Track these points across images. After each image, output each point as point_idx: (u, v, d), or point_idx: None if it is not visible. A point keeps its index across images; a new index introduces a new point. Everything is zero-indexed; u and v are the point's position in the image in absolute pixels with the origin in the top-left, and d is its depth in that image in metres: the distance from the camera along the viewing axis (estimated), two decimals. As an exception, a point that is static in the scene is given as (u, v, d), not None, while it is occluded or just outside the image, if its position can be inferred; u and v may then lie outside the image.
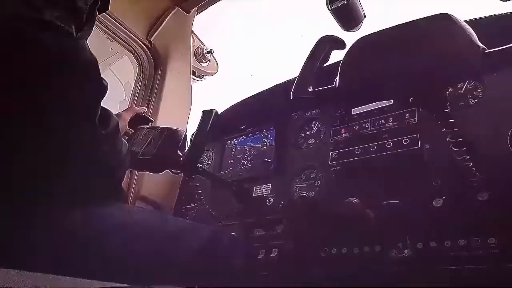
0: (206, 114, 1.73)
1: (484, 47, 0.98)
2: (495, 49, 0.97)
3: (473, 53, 0.97)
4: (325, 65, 1.37)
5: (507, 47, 0.96)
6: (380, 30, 1.16)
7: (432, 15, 1.05)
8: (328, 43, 1.36)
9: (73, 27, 0.88)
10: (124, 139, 1.35)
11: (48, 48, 0.83)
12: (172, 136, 1.65)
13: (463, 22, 1.00)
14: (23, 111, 0.84)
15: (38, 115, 0.86)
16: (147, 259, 1.14)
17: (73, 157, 0.95)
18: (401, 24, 1.12)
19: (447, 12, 1.02)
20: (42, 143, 0.89)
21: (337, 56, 1.38)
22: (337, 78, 1.20)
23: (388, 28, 1.14)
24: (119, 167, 1.11)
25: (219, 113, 1.78)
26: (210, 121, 1.70)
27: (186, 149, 1.69)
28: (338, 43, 1.36)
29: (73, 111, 0.91)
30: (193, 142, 1.68)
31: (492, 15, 1.50)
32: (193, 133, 1.76)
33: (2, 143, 0.85)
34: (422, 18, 1.07)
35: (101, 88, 0.97)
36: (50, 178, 0.94)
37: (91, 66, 0.93)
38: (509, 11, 1.46)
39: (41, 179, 0.93)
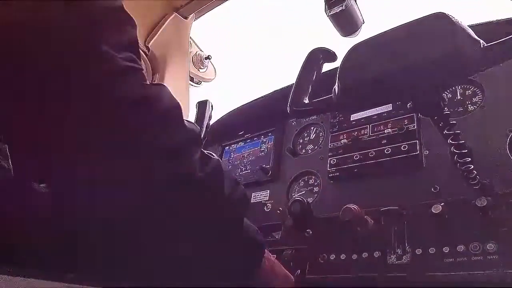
0: (202, 104, 1.73)
1: (483, 41, 0.97)
2: (495, 42, 0.97)
3: (473, 47, 0.97)
4: (319, 76, 1.38)
5: (507, 39, 0.96)
6: (377, 34, 1.16)
7: (428, 15, 1.04)
8: (319, 55, 1.37)
9: (139, 63, 0.85)
10: None
11: (132, 93, 0.80)
12: None
13: (460, 20, 1.00)
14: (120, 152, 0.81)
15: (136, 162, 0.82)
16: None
17: (173, 207, 0.90)
18: (397, 26, 1.12)
19: (442, 11, 1.02)
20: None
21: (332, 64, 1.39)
22: (336, 86, 1.20)
23: (384, 31, 1.14)
24: (228, 209, 1.01)
25: (217, 118, 1.78)
26: (206, 110, 1.69)
27: None
28: (330, 55, 1.36)
29: (163, 159, 0.86)
30: None
31: (488, 21, 1.50)
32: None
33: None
34: (418, 18, 1.07)
35: (191, 133, 0.93)
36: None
37: (177, 112, 0.89)
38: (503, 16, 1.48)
39: None
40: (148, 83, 0.85)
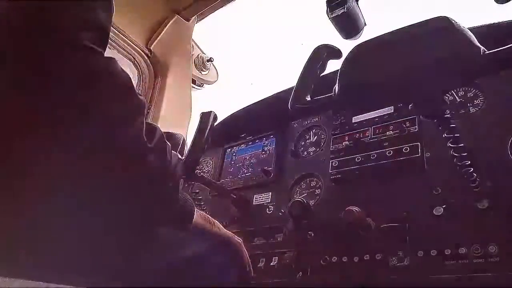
0: (205, 116, 1.71)
1: (484, 48, 0.98)
2: (495, 50, 0.97)
3: (473, 54, 0.97)
4: (322, 74, 1.38)
5: (507, 48, 0.96)
6: (379, 35, 1.16)
7: (431, 18, 1.05)
8: (324, 52, 1.37)
9: (102, 47, 0.86)
10: None
11: (84, 68, 0.80)
12: (170, 140, 1.63)
13: (462, 25, 1.01)
14: (64, 131, 0.82)
15: (81, 137, 0.84)
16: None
17: (122, 174, 0.93)
18: (399, 28, 1.12)
19: (445, 15, 1.03)
20: (90, 163, 0.87)
21: (334, 65, 1.39)
22: (336, 85, 1.20)
23: (387, 33, 1.15)
24: (170, 177, 1.06)
25: (219, 120, 1.78)
26: (209, 123, 1.69)
27: (186, 152, 1.68)
28: (335, 52, 1.36)
29: (116, 129, 0.88)
30: (192, 144, 1.66)
31: (488, 24, 1.51)
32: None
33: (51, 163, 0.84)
34: (421, 21, 1.08)
35: (140, 103, 0.94)
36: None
37: (127, 83, 0.90)
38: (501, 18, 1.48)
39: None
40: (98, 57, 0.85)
